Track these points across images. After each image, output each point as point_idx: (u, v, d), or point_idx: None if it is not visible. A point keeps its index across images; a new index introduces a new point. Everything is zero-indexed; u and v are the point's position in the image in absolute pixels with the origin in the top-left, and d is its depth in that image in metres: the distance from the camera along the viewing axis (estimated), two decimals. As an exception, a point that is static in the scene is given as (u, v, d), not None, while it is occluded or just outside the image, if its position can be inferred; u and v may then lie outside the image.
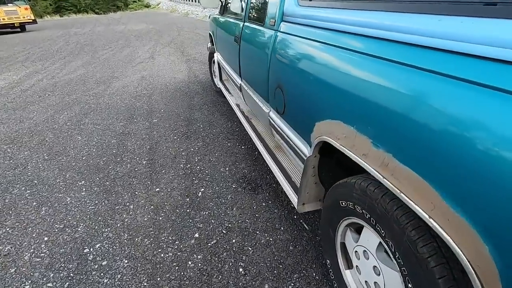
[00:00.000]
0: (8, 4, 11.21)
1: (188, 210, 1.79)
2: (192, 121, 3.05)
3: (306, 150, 1.26)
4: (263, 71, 1.60)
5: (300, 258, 1.45)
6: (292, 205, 1.80)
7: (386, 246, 0.87)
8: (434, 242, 0.73)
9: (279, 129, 1.52)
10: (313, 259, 1.44)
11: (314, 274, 1.36)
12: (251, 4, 1.95)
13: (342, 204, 1.04)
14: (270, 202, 1.85)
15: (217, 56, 3.19)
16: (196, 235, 1.61)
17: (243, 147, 2.51)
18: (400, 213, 0.79)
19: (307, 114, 1.16)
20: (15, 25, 11.29)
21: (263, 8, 1.72)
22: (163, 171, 2.19)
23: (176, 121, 3.05)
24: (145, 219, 1.73)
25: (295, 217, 1.71)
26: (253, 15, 1.88)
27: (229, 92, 2.99)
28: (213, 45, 3.48)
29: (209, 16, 3.70)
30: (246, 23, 1.98)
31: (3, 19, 10.91)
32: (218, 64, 3.19)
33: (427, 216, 0.63)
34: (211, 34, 3.48)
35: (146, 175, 2.15)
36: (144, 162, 2.32)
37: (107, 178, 2.13)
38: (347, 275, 1.17)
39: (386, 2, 0.87)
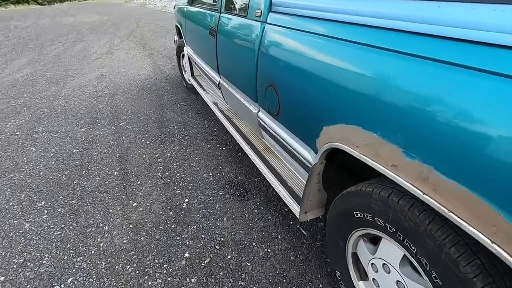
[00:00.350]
0: None
1: (173, 226, 1.61)
2: (164, 123, 2.80)
3: (308, 155, 1.15)
4: (249, 68, 1.45)
5: (303, 268, 1.36)
6: (286, 209, 1.70)
7: (416, 263, 0.79)
8: (477, 259, 0.65)
9: (272, 132, 1.39)
10: (317, 268, 1.36)
11: (321, 286, 1.28)
12: (228, -7, 1.76)
13: (357, 215, 0.95)
14: (262, 208, 1.72)
15: (187, 50, 2.95)
16: (187, 254, 1.44)
17: (224, 148, 2.35)
18: (435, 227, 0.71)
19: (312, 117, 1.04)
20: None
21: (243, -3, 1.55)
22: (138, 182, 1.97)
23: (147, 123, 2.79)
24: (124, 241, 1.52)
25: (291, 222, 1.61)
26: (232, 5, 1.70)
27: (203, 89, 2.78)
28: (181, 38, 3.21)
29: (174, 6, 3.41)
30: (223, 14, 1.80)
31: None
32: (189, 58, 2.95)
33: (488, 241, 0.55)
34: (179, 26, 3.20)
35: (120, 189, 1.91)
36: (115, 173, 2.07)
37: (72, 196, 1.86)
38: (361, 287, 1.10)
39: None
